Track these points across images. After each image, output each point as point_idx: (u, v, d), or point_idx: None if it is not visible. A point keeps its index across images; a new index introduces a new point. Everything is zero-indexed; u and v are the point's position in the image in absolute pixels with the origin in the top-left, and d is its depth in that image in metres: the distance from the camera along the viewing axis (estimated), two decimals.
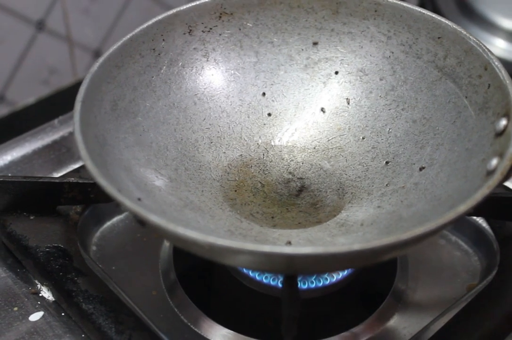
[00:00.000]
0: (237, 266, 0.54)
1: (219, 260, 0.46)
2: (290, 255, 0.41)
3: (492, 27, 1.02)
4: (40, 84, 1.11)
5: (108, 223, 0.64)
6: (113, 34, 1.14)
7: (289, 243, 0.50)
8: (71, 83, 1.15)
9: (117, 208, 0.63)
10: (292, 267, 0.44)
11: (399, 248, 0.42)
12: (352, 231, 0.52)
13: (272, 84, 0.61)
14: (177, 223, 0.47)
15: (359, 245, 0.40)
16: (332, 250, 0.41)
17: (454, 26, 0.55)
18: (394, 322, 0.57)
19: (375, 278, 0.61)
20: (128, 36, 0.56)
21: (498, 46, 1.02)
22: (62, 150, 0.69)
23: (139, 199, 0.49)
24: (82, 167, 0.64)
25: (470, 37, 0.54)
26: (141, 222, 0.45)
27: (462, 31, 0.55)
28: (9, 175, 0.66)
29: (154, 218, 0.43)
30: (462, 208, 0.43)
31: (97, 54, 1.14)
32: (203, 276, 0.61)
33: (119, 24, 1.15)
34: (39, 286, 0.57)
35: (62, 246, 0.57)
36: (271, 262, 0.44)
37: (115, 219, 0.64)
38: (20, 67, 1.07)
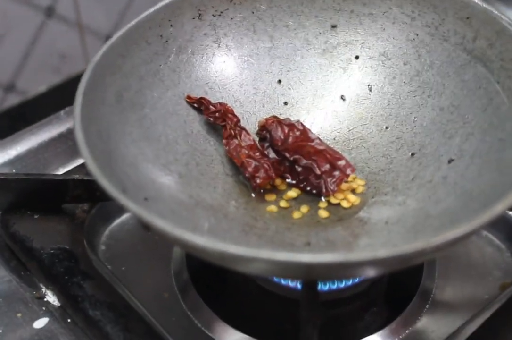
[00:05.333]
0: (252, 273, 0.51)
1: (232, 267, 0.42)
2: (308, 263, 0.37)
3: None
4: (51, 72, 1.09)
5: (118, 221, 0.61)
6: (125, 19, 1.11)
7: (308, 244, 0.47)
8: (83, 70, 1.11)
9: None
10: (311, 274, 0.41)
11: (428, 253, 0.38)
12: (376, 229, 0.48)
13: (288, 70, 0.58)
14: (186, 224, 0.44)
15: (384, 252, 0.37)
16: (354, 258, 0.37)
17: (484, 6, 0.52)
18: (422, 325, 0.54)
19: (400, 277, 0.57)
20: (133, 23, 0.53)
21: None
22: (69, 143, 0.66)
23: (145, 199, 0.46)
24: None
25: (502, 17, 0.51)
26: (145, 227, 0.42)
27: (493, 11, 0.51)
28: (14, 170, 0.63)
29: (159, 223, 0.40)
30: (500, 207, 0.40)
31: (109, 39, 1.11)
32: (218, 277, 0.58)
33: (131, 8, 1.12)
34: (44, 290, 0.54)
35: (67, 247, 0.54)
36: (288, 269, 0.40)
37: (125, 217, 0.61)
38: (30, 55, 1.05)
